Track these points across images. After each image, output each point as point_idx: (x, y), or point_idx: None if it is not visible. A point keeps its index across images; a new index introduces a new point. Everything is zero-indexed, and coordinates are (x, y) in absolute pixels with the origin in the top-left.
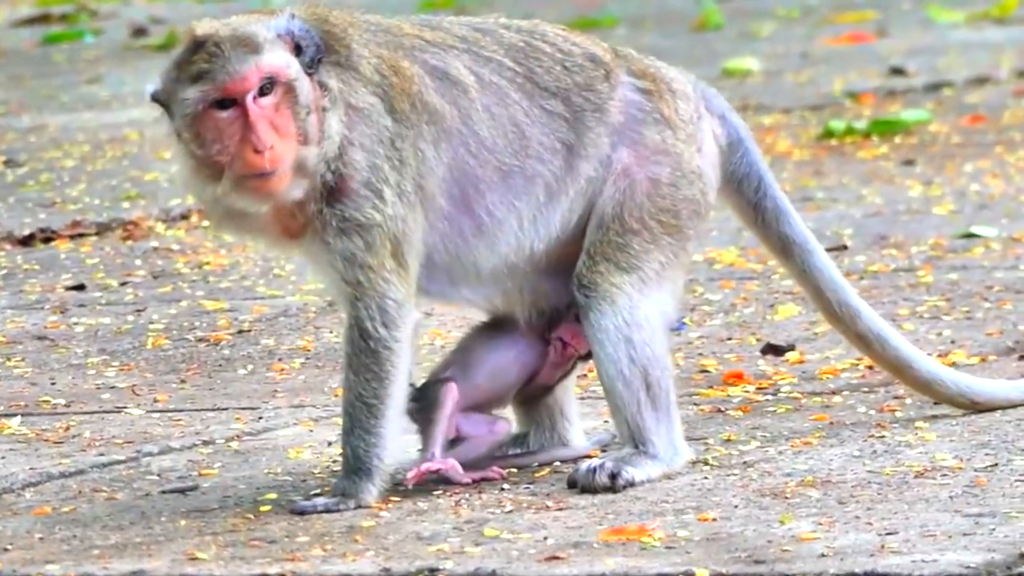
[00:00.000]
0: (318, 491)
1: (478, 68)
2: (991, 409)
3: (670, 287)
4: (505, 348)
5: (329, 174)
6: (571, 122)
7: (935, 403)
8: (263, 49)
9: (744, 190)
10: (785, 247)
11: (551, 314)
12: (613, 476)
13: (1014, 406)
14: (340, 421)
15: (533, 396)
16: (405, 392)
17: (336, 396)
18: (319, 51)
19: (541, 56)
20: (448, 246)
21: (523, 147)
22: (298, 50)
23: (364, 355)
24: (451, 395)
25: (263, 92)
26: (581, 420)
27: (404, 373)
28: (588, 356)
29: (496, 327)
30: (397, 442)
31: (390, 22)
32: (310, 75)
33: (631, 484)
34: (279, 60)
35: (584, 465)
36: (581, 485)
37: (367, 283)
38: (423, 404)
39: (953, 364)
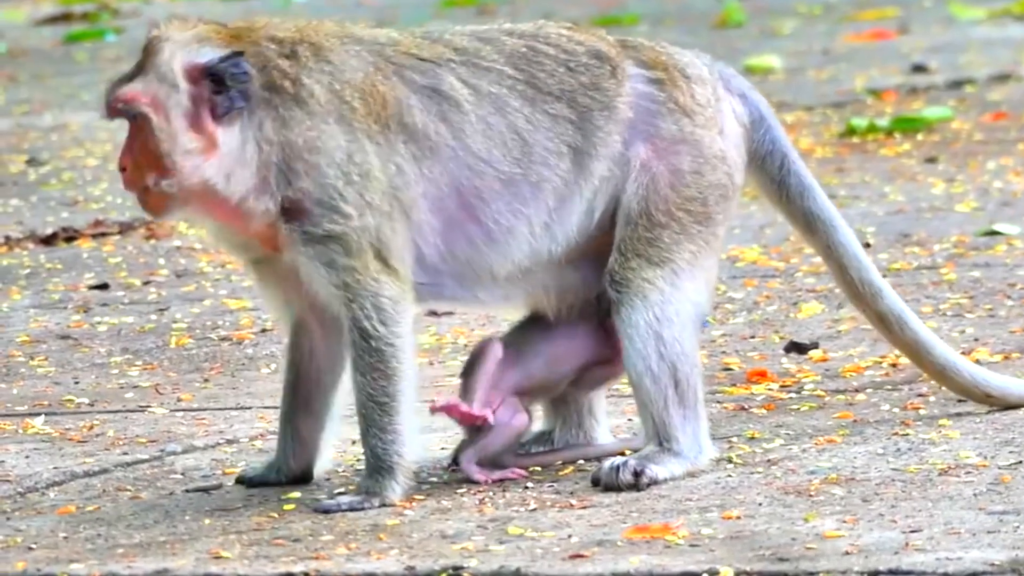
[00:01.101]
0: (342, 489)
1: (475, 80)
2: (1004, 406)
3: (703, 275)
4: (564, 338)
5: (271, 203)
6: (578, 124)
7: (959, 399)
8: (140, 75)
9: (768, 167)
10: (810, 223)
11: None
12: (637, 474)
13: None
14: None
15: (591, 385)
16: (415, 386)
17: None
18: (241, 98)
19: (544, 60)
20: (457, 254)
21: (525, 154)
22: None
23: (368, 355)
24: (493, 353)
25: (133, 117)
26: (607, 418)
27: (410, 367)
28: None
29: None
30: (416, 437)
31: (387, 39)
32: (229, 112)
33: (655, 482)
34: (137, 89)
35: (607, 463)
36: (604, 483)
37: (356, 284)
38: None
39: (976, 362)
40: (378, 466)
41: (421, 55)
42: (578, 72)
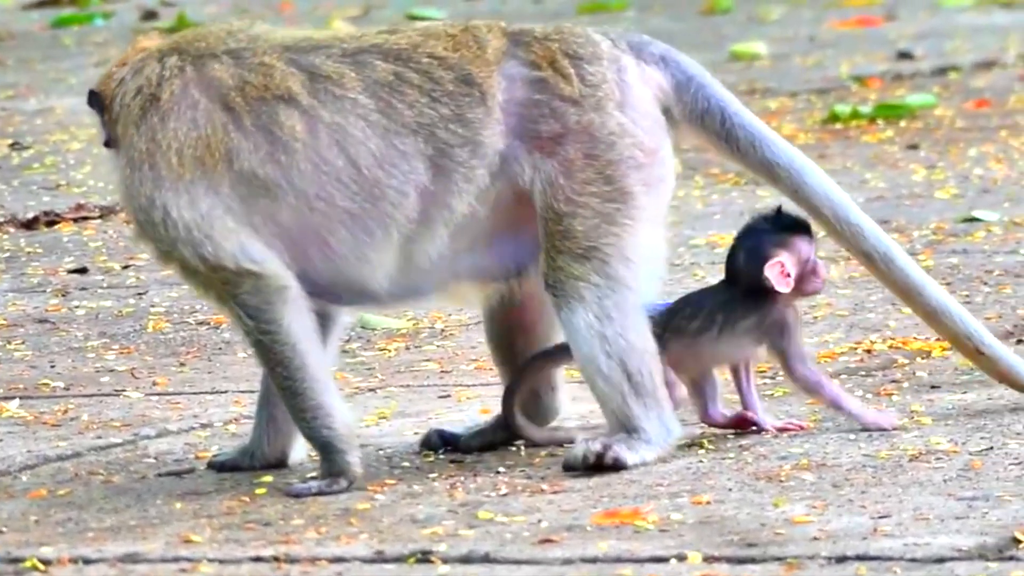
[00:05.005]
0: (314, 474)
1: (321, 111)
2: (990, 371)
3: (638, 254)
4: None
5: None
6: (435, 160)
7: (932, 386)
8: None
9: (709, 124)
10: (771, 172)
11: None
12: (600, 455)
13: (1014, 383)
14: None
15: None
16: (317, 362)
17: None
18: (105, 131)
19: (407, 90)
20: (323, 272)
21: (367, 191)
22: None
23: (255, 348)
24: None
25: None
26: (573, 404)
27: (298, 348)
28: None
29: None
30: (339, 406)
31: (238, 81)
32: (107, 141)
33: (619, 461)
34: None
35: (576, 448)
36: (570, 464)
37: (211, 293)
38: None
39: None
40: (320, 446)
41: (266, 95)
42: (441, 103)
